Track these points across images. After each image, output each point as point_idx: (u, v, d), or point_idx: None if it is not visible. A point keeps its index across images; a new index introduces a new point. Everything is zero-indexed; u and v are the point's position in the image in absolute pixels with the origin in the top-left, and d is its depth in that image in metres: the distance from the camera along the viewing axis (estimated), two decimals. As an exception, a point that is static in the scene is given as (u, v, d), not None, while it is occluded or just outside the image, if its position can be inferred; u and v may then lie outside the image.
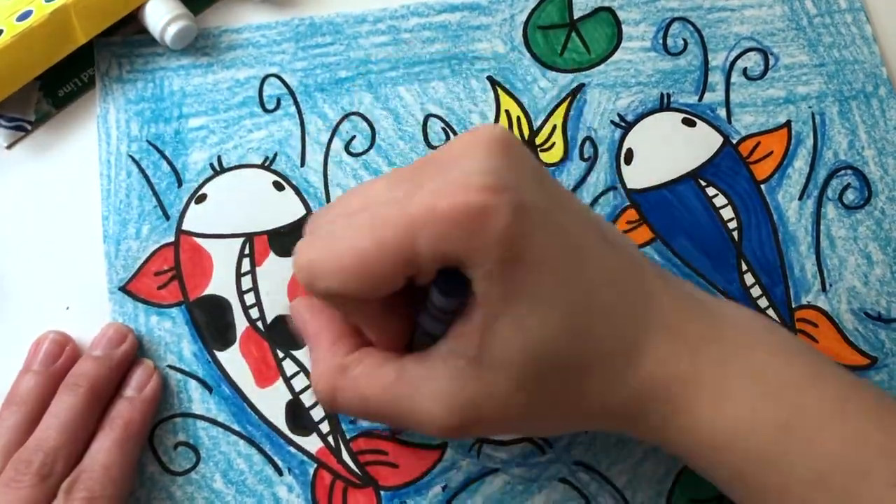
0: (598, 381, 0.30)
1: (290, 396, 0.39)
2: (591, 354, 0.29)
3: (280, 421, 0.39)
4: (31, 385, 0.37)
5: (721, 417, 0.30)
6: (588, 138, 0.43)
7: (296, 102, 0.43)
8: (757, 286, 0.41)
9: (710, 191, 0.42)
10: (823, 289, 0.41)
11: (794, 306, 0.41)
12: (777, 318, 0.41)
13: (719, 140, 0.43)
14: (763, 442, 0.29)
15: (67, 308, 0.40)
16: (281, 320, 0.40)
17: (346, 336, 0.32)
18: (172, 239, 0.41)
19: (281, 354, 0.40)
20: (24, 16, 0.39)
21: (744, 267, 0.41)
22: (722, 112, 0.44)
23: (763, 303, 0.41)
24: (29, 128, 0.42)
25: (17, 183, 0.42)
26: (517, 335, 0.28)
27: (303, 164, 0.42)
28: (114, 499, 0.34)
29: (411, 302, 0.30)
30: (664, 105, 0.44)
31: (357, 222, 0.28)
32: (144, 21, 0.42)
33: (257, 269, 0.41)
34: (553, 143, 0.43)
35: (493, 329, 0.28)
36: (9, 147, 0.42)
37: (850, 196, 0.43)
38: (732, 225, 0.42)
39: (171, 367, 0.39)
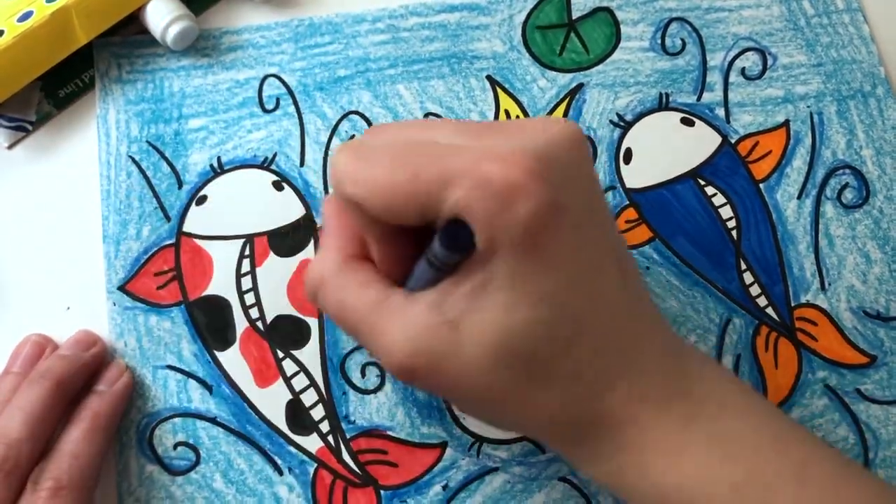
0: (559, 393, 0.29)
1: (290, 396, 0.39)
2: (562, 366, 0.29)
3: (280, 421, 0.39)
4: (10, 386, 0.36)
5: (672, 473, 0.29)
6: (587, 138, 0.43)
7: (295, 102, 0.43)
8: (756, 285, 0.41)
9: (709, 190, 0.43)
10: (822, 287, 0.41)
11: (793, 305, 0.41)
12: (777, 317, 0.41)
13: (718, 139, 0.43)
14: (715, 497, 0.29)
15: (68, 308, 0.40)
16: (281, 320, 0.40)
17: (355, 244, 0.31)
18: (173, 241, 0.41)
19: (281, 354, 0.40)
20: (25, 16, 0.39)
21: (743, 266, 0.42)
22: (720, 111, 0.44)
23: (762, 301, 0.41)
24: (30, 128, 0.42)
25: (17, 183, 0.42)
26: (501, 318, 0.27)
27: (302, 163, 0.42)
28: (80, 488, 0.34)
29: (421, 241, 0.30)
30: (663, 105, 0.44)
31: (405, 151, 0.28)
32: (145, 22, 0.42)
33: (257, 269, 0.41)
34: (552, 143, 0.43)
35: (480, 302, 0.28)
36: (10, 147, 0.42)
37: (848, 195, 0.43)
38: (731, 224, 0.42)
39: (170, 367, 0.39)
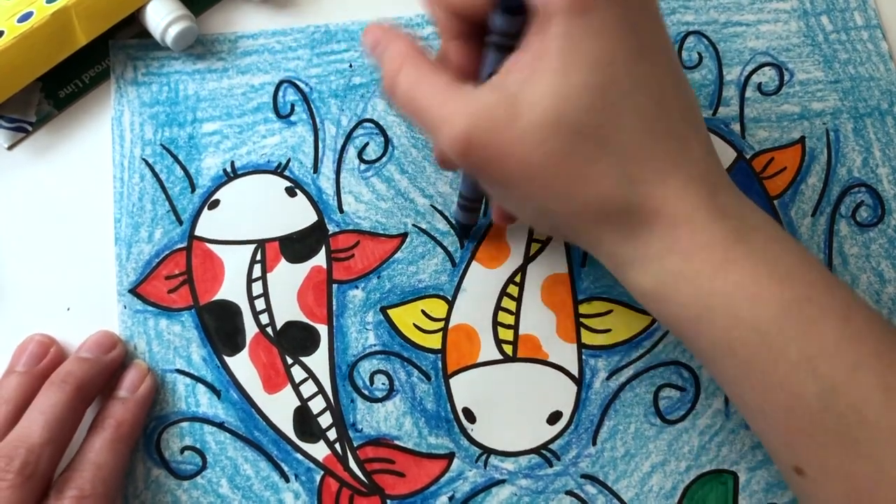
0: (610, 169, 0.30)
1: (298, 403, 0.39)
2: (612, 138, 0.29)
3: (288, 427, 0.39)
4: (13, 384, 0.36)
5: (719, 282, 0.29)
6: None
7: (310, 108, 0.43)
8: (768, 302, 0.41)
9: (723, 205, 0.42)
10: (835, 306, 0.41)
11: (805, 323, 0.41)
12: (788, 335, 0.41)
13: (733, 155, 0.43)
14: (762, 315, 0.29)
15: (68, 309, 0.40)
16: (290, 326, 0.40)
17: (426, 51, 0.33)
18: (185, 244, 0.41)
19: (290, 361, 0.40)
20: (25, 17, 0.39)
21: (755, 282, 0.41)
22: (736, 127, 0.44)
23: (774, 319, 0.41)
24: (30, 129, 0.42)
25: (17, 184, 0.42)
26: (554, 84, 0.29)
27: (316, 170, 0.42)
28: (103, 498, 0.34)
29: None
30: (678, 118, 0.44)
31: None
32: (145, 22, 0.42)
33: (268, 275, 0.41)
34: (566, 155, 0.43)
35: (537, 71, 0.29)
36: (9, 148, 0.42)
37: (863, 213, 0.42)
38: (745, 240, 0.42)
39: (179, 371, 0.39)
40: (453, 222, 0.42)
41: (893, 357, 0.29)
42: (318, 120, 0.43)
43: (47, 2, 0.40)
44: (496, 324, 0.40)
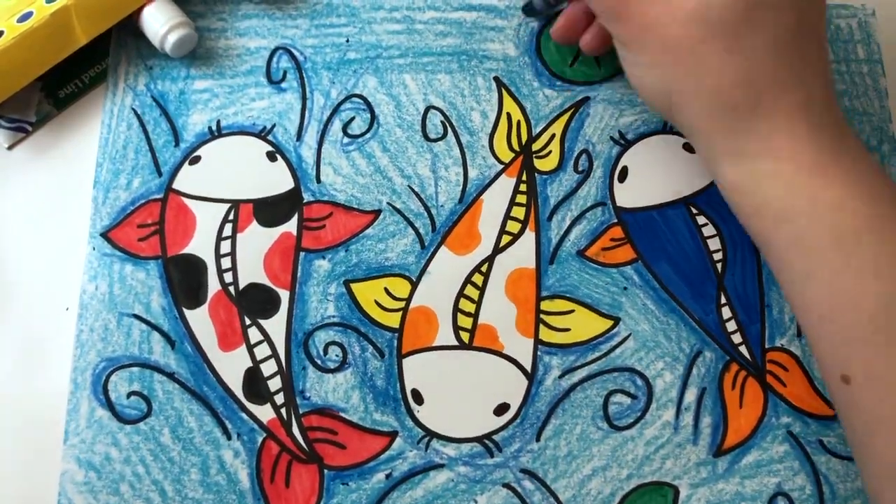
0: (739, 63, 0.33)
1: (250, 364, 0.39)
2: (746, 40, 0.32)
3: (237, 386, 0.39)
4: None
5: (811, 186, 0.33)
6: (585, 151, 0.43)
7: (301, 77, 0.43)
8: (733, 321, 0.41)
9: (701, 219, 0.42)
10: (798, 334, 0.41)
11: (767, 347, 0.41)
12: (748, 356, 0.40)
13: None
14: (842, 222, 0.33)
15: (67, 309, 0.40)
16: (253, 288, 0.40)
17: None
18: (161, 196, 0.41)
19: (248, 321, 0.40)
20: (25, 17, 0.39)
21: (723, 300, 0.41)
22: (723, 144, 0.43)
23: (737, 338, 0.41)
24: (30, 129, 0.42)
25: (17, 184, 0.42)
26: None
27: (299, 138, 0.42)
28: None
29: None
30: (667, 128, 0.44)
31: None
32: (143, 28, 0.42)
33: (238, 235, 0.41)
34: (550, 152, 0.43)
35: None
36: (10, 148, 0.42)
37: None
38: (718, 256, 0.42)
39: (136, 316, 0.39)
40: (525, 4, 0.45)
41: None
42: (308, 89, 0.43)
43: (47, 1, 0.39)
44: (457, 310, 0.40)
